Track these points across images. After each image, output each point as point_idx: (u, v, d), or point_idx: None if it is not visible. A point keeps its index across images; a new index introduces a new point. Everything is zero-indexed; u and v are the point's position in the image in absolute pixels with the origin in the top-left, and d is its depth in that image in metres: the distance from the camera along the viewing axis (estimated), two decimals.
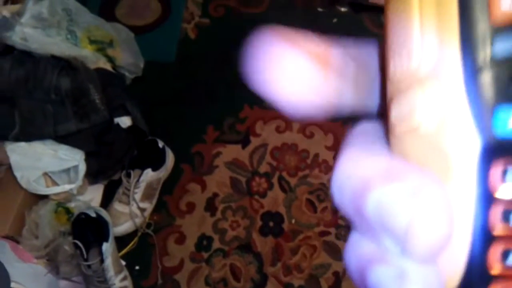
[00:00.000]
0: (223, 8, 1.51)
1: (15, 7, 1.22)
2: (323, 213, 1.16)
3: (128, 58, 1.28)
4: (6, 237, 0.95)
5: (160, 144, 1.15)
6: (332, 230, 1.14)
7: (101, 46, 1.24)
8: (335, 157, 1.25)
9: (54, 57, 1.12)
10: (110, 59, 1.25)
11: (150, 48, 1.36)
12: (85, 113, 1.07)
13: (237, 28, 1.48)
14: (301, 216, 1.16)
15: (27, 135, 1.01)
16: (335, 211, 1.16)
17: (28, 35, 1.11)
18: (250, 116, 1.31)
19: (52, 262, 1.00)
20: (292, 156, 1.25)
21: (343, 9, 1.51)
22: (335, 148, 1.27)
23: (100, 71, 1.18)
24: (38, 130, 1.03)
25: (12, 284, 0.88)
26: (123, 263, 1.05)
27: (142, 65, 1.31)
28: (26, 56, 1.11)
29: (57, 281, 0.99)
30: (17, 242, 0.98)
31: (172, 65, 1.39)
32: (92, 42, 1.23)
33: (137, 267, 1.07)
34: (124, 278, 1.01)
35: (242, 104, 1.33)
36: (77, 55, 1.15)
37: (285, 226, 1.14)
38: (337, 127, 1.30)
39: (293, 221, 1.15)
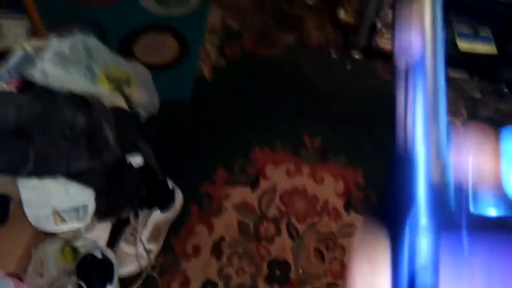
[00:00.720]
0: (239, 49, 1.54)
1: (37, 42, 1.25)
2: (332, 264, 1.14)
3: (144, 97, 1.30)
4: (11, 274, 0.95)
5: (170, 185, 1.15)
6: (340, 282, 1.11)
7: (118, 84, 1.27)
8: (345, 206, 1.24)
9: (71, 94, 1.14)
10: (126, 97, 1.27)
11: (166, 87, 1.38)
12: (98, 151, 1.08)
13: (253, 70, 1.52)
14: (309, 265, 1.14)
15: (40, 172, 1.02)
16: (343, 262, 1.14)
17: (49, 72, 1.14)
18: (260, 158, 1.32)
19: None
20: (301, 201, 1.24)
21: (357, 56, 1.54)
22: (345, 195, 1.26)
23: (115, 109, 1.20)
24: (51, 166, 1.03)
25: None
26: None
27: (157, 104, 1.33)
28: (45, 92, 1.14)
29: None
30: (21, 279, 0.97)
31: (186, 105, 1.41)
32: (109, 79, 1.25)
33: None
34: None
35: (253, 146, 1.33)
36: (94, 92, 1.18)
37: (292, 275, 1.12)
38: (347, 173, 1.30)
39: (300, 271, 1.13)
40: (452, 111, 1.42)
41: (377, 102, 1.46)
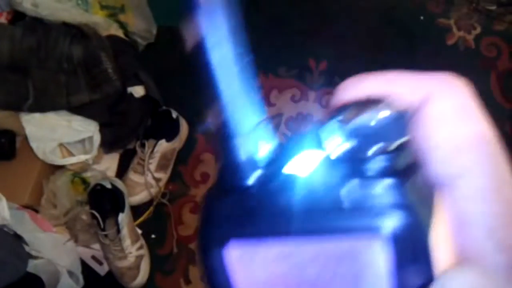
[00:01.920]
0: None
1: None
2: None
3: (140, 24, 1.25)
4: (26, 207, 0.98)
5: (174, 114, 1.14)
6: None
7: (113, 12, 1.21)
8: None
9: (65, 24, 1.10)
10: (122, 25, 1.21)
11: (162, 12, 1.31)
12: (98, 83, 1.06)
13: None
14: None
15: (41, 106, 1.01)
16: None
17: (39, 1, 1.08)
18: (265, 84, 1.28)
19: (71, 230, 1.02)
20: (307, 126, 1.23)
21: None
22: None
23: (112, 38, 1.15)
24: (52, 101, 1.02)
25: (33, 253, 0.90)
26: (139, 231, 1.08)
27: (154, 31, 1.28)
28: (37, 24, 1.09)
29: (76, 248, 1.02)
30: (36, 211, 1.00)
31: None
32: (103, 7, 1.19)
33: (153, 236, 1.10)
34: (141, 247, 1.03)
35: (257, 72, 1.29)
36: (89, 21, 1.12)
37: None
38: None
39: None
40: (465, 26, 1.34)
41: (389, 22, 1.38)
